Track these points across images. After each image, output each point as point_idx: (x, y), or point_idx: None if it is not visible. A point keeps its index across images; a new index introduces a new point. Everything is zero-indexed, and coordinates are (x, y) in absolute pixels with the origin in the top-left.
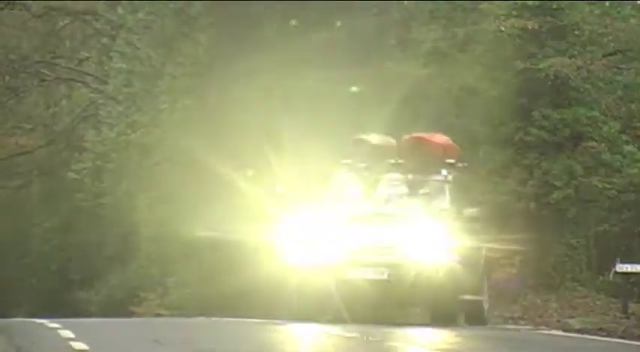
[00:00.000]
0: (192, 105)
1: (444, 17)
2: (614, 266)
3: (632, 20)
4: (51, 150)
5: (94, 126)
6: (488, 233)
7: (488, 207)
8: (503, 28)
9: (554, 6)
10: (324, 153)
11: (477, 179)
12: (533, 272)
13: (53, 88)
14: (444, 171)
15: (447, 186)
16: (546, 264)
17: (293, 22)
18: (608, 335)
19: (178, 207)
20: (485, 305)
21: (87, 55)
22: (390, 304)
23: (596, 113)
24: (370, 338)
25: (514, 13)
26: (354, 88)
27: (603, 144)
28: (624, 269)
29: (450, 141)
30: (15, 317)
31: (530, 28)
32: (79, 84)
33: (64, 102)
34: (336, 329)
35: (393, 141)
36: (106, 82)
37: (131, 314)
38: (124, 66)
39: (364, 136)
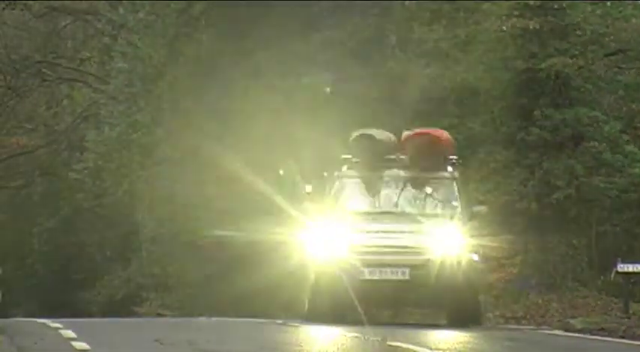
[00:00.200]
0: (193, 105)
1: (446, 17)
2: (616, 266)
3: (634, 20)
4: (52, 150)
5: (95, 126)
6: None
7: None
8: (504, 28)
9: (556, 6)
10: (325, 151)
11: (479, 178)
12: (534, 272)
13: (54, 87)
14: (450, 168)
15: (454, 184)
16: (548, 263)
17: (327, 90)
18: (610, 335)
19: (179, 207)
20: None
21: (88, 54)
22: (409, 305)
23: (597, 113)
24: (372, 338)
25: (515, 13)
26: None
27: (604, 144)
28: (625, 269)
29: (450, 137)
30: (16, 316)
31: (531, 27)
32: (80, 84)
33: (65, 102)
34: (339, 330)
35: (393, 137)
36: (107, 82)
37: (132, 314)
38: (125, 66)
39: (369, 132)
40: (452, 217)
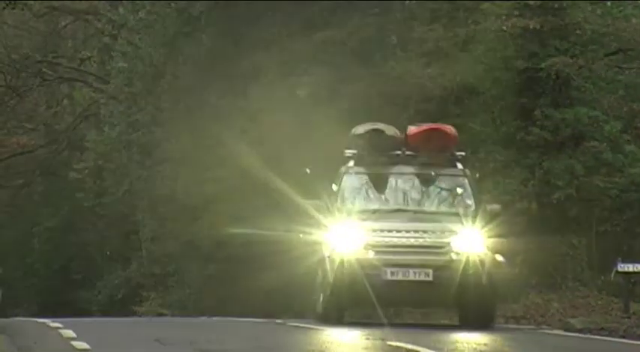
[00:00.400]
0: (193, 104)
1: (446, 17)
2: (616, 265)
3: (634, 20)
4: (52, 150)
5: (95, 126)
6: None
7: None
8: (504, 28)
9: (556, 5)
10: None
11: (479, 178)
12: (534, 272)
13: (55, 87)
14: (459, 165)
15: (466, 181)
16: (548, 263)
17: None
18: (610, 335)
19: (180, 206)
20: None
21: (88, 54)
22: (431, 306)
23: (597, 112)
24: (369, 337)
25: (515, 12)
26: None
27: (605, 144)
28: (626, 269)
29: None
30: (17, 316)
31: (531, 27)
32: (80, 83)
33: (65, 101)
34: (343, 330)
35: (398, 132)
36: (107, 82)
37: (133, 314)
38: (125, 65)
39: (379, 126)
40: (468, 216)
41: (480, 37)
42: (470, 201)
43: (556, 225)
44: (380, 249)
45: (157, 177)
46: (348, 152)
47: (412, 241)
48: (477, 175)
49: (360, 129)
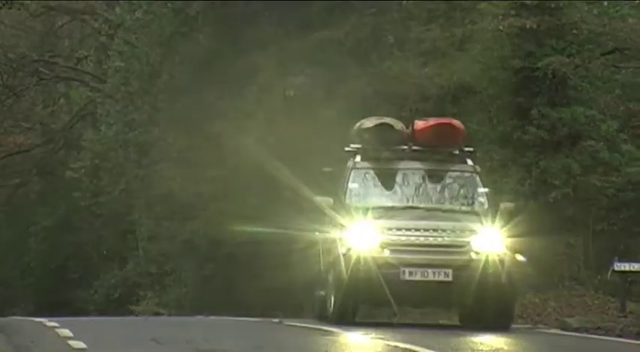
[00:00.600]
0: (190, 104)
1: (443, 16)
2: (612, 264)
3: (631, 19)
4: (49, 149)
5: (92, 125)
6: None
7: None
8: (501, 27)
9: (553, 5)
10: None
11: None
12: (531, 271)
13: (51, 86)
14: (470, 161)
15: (477, 177)
16: (545, 262)
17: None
18: (606, 334)
19: (176, 205)
20: None
21: (85, 53)
22: (449, 307)
23: (594, 112)
24: (369, 335)
25: (512, 12)
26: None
27: (602, 143)
28: (622, 268)
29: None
30: (14, 315)
31: (528, 27)
32: (77, 82)
33: (62, 100)
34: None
35: (404, 126)
36: (104, 81)
37: (129, 313)
38: (122, 65)
39: (387, 120)
40: (486, 214)
41: (477, 36)
42: (483, 199)
43: (553, 224)
44: (397, 247)
45: (154, 177)
46: (353, 146)
47: (431, 240)
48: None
49: (368, 123)
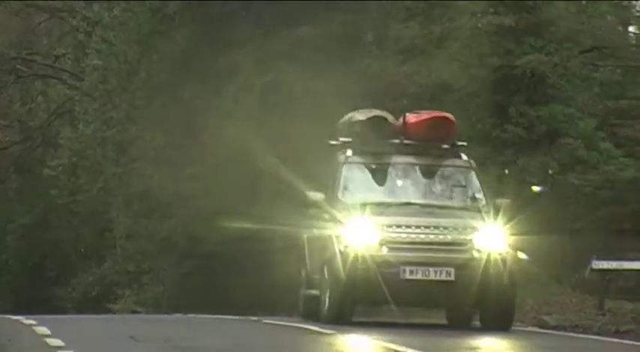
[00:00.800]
0: (168, 102)
1: (421, 14)
2: (590, 263)
3: (609, 17)
4: (27, 147)
5: (69, 123)
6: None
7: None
8: (479, 25)
9: (531, 3)
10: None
11: None
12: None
13: (29, 84)
14: (464, 156)
15: (473, 172)
16: (522, 261)
17: None
18: (584, 332)
19: (154, 204)
20: None
21: (63, 51)
22: (451, 307)
23: (572, 110)
24: (349, 335)
25: (490, 10)
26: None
27: (580, 141)
28: (600, 266)
29: None
30: None
31: (506, 24)
32: (55, 80)
33: (40, 98)
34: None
35: (395, 120)
36: (82, 79)
37: (107, 311)
38: (100, 63)
39: (381, 113)
40: (482, 210)
41: (455, 34)
42: (480, 195)
43: (531, 223)
44: (396, 245)
45: (132, 175)
46: (343, 140)
47: (432, 238)
48: None
49: (359, 116)
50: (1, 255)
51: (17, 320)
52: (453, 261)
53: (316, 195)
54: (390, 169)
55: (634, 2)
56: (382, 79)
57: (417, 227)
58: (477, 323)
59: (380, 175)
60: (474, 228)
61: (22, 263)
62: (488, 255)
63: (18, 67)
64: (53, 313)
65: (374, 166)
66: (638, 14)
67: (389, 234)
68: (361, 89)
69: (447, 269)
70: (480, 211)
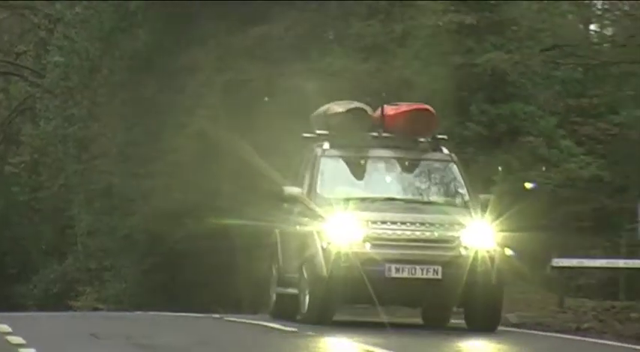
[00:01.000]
0: (129, 99)
1: (383, 12)
2: (551, 260)
3: (570, 16)
4: None
5: (31, 120)
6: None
7: None
8: (440, 23)
9: (492, 1)
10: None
11: None
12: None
13: None
14: (445, 149)
15: (455, 167)
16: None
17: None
18: (545, 330)
19: (116, 201)
20: None
21: (24, 48)
22: (437, 306)
23: (533, 108)
24: (309, 333)
25: (452, 8)
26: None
27: (541, 139)
28: (561, 264)
29: None
30: None
31: (467, 23)
32: (16, 77)
33: (1, 95)
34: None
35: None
36: (43, 76)
37: (69, 308)
38: (61, 59)
39: (359, 105)
40: (468, 205)
41: (417, 32)
42: (463, 190)
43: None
44: (381, 242)
45: (93, 172)
46: (319, 132)
47: (418, 234)
48: None
49: (338, 108)
50: None
51: None
52: (439, 258)
53: (293, 190)
54: (370, 163)
55: (594, 2)
56: (344, 76)
57: (403, 223)
58: (455, 323)
59: (359, 169)
60: (460, 225)
61: None
62: (476, 253)
63: None
64: (14, 310)
65: (353, 160)
66: (599, 12)
67: (373, 230)
68: (322, 87)
69: (434, 267)
70: (465, 207)
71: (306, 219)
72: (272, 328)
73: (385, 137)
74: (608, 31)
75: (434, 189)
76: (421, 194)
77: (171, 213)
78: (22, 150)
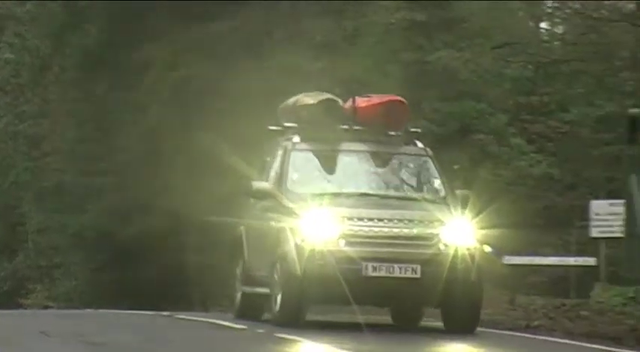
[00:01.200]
0: (80, 96)
1: (334, 10)
2: (502, 258)
3: (520, 14)
4: None
5: None
6: None
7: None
8: (392, 21)
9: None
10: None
11: None
12: None
13: None
14: (420, 143)
15: (430, 161)
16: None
17: None
18: (496, 327)
19: (67, 198)
20: None
21: None
22: (416, 306)
23: (483, 106)
24: (259, 330)
25: (403, 5)
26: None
27: (491, 137)
28: (511, 262)
29: None
30: None
31: (419, 21)
32: None
33: None
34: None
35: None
36: None
37: (18, 306)
38: (12, 56)
39: (331, 96)
40: (447, 202)
41: (369, 30)
42: (439, 185)
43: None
44: (358, 239)
45: (44, 169)
46: (287, 125)
47: (396, 231)
48: None
49: (308, 99)
50: None
51: None
52: (418, 256)
53: (263, 185)
54: (342, 157)
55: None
56: (295, 74)
57: (380, 220)
58: (427, 323)
59: (331, 163)
60: (439, 221)
61: None
62: (456, 250)
63: None
64: None
65: (324, 154)
66: (549, 10)
67: (349, 227)
68: (274, 84)
69: (412, 265)
70: (443, 203)
71: (276, 215)
72: (222, 325)
73: (357, 130)
74: (559, 29)
75: (410, 184)
76: (397, 189)
77: (122, 210)
78: None
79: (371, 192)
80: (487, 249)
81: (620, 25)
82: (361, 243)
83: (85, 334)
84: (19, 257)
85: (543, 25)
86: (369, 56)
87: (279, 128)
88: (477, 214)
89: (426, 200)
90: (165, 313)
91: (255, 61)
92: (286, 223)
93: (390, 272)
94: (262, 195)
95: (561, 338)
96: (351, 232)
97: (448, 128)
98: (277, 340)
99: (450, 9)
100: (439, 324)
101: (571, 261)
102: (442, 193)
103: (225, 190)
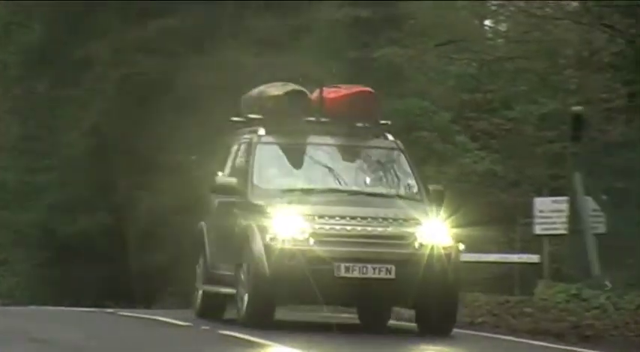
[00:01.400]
0: (24, 93)
1: (278, 5)
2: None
3: (464, 12)
4: None
5: None
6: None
7: None
8: (337, 17)
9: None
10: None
11: None
12: None
13: None
14: (390, 136)
15: (402, 155)
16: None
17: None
18: None
19: (10, 195)
20: None
21: None
22: (390, 307)
23: (427, 103)
24: (204, 327)
25: (348, 1)
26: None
27: (435, 134)
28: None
29: None
30: None
31: (363, 17)
32: None
33: None
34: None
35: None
36: None
37: None
38: None
39: (297, 87)
40: (421, 199)
41: (312, 26)
42: (411, 181)
43: None
44: (329, 239)
45: None
46: (251, 117)
47: (370, 230)
48: None
49: (274, 90)
50: None
51: None
52: (393, 256)
53: (228, 180)
54: (310, 151)
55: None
56: (238, 70)
57: (353, 218)
58: (394, 323)
59: (299, 158)
60: (415, 220)
61: None
62: (432, 250)
63: None
64: None
65: (291, 147)
66: (494, 8)
67: (320, 225)
68: (218, 80)
69: (387, 266)
70: (417, 200)
71: (242, 212)
72: (167, 323)
73: (326, 122)
74: (503, 27)
75: (382, 179)
76: (368, 185)
77: (65, 207)
78: None
79: (341, 188)
80: (462, 247)
81: (563, 23)
82: (333, 243)
83: (28, 331)
84: None
85: (487, 22)
86: (312, 52)
87: (242, 119)
88: (451, 212)
89: (399, 196)
90: (108, 310)
91: (200, 58)
92: (253, 221)
93: (363, 273)
94: (227, 190)
95: (505, 334)
96: (323, 231)
97: (393, 125)
98: (221, 337)
99: (395, 6)
100: (408, 325)
101: (515, 258)
102: (415, 189)
103: (172, 186)
